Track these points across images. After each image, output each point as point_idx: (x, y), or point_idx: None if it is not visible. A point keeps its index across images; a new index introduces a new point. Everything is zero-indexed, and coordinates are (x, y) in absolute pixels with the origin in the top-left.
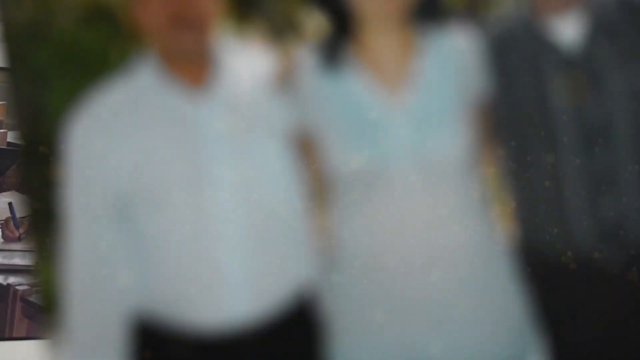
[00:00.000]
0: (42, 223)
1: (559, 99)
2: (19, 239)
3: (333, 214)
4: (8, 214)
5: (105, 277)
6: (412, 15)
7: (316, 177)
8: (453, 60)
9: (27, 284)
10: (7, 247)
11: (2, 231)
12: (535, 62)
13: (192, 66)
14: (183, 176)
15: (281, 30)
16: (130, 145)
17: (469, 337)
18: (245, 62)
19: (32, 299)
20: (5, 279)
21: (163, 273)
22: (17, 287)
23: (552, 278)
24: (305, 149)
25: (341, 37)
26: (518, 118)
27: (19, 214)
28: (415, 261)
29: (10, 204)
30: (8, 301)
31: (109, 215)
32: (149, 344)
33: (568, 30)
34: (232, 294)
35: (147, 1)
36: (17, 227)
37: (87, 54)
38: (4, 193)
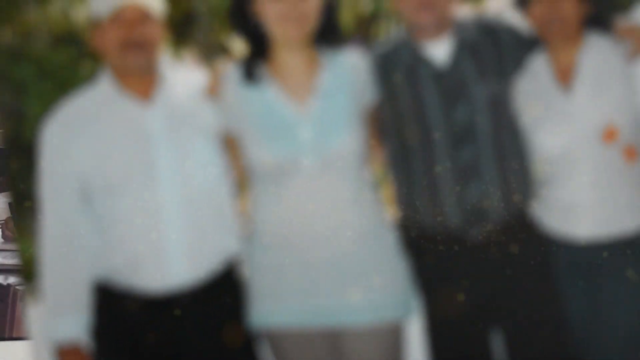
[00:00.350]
0: (23, 204)
1: (432, 105)
2: None
3: (251, 199)
4: (8, 214)
5: (72, 247)
6: (315, 38)
7: (238, 169)
8: (348, 74)
9: None
10: (7, 247)
11: (2, 231)
12: (413, 75)
13: (140, 80)
14: (133, 167)
15: (211, 51)
16: (90, 142)
17: (361, 293)
18: (182, 77)
19: None
20: (5, 279)
21: (117, 246)
22: (17, 287)
23: (427, 249)
24: (230, 146)
25: (258, 56)
26: (400, 120)
27: None
28: (317, 235)
29: (10, 204)
30: (8, 301)
31: (74, 198)
32: (107, 302)
33: (439, 50)
34: (172, 263)
35: (104, 28)
36: None
37: (59, 70)
38: (4, 193)
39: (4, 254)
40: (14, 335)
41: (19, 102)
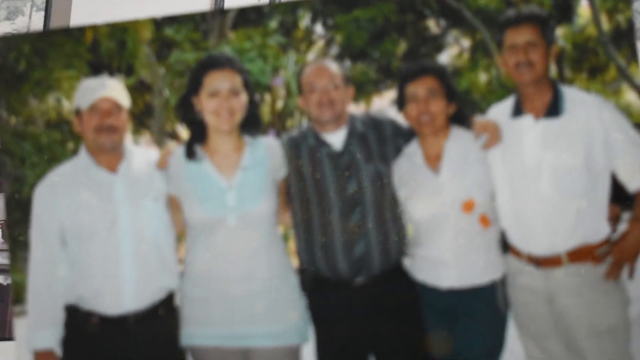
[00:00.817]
0: (18, 242)
1: (329, 179)
2: None
3: (186, 245)
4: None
5: (51, 278)
6: (241, 127)
7: (179, 223)
8: (265, 154)
9: None
10: (7, 247)
11: (2, 231)
12: (315, 155)
13: (109, 156)
14: (99, 221)
15: (162, 135)
16: (69, 201)
17: (269, 322)
18: (141, 154)
19: None
20: (6, 279)
21: (84, 279)
22: None
23: (321, 290)
24: (173, 205)
25: (197, 139)
26: (304, 189)
27: None
28: (235, 276)
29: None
30: (8, 301)
31: (55, 241)
32: (74, 320)
33: (336, 137)
34: (124, 294)
35: (83, 117)
36: None
37: (50, 147)
38: (3, 193)
39: (4, 254)
40: (14, 336)
41: (19, 170)
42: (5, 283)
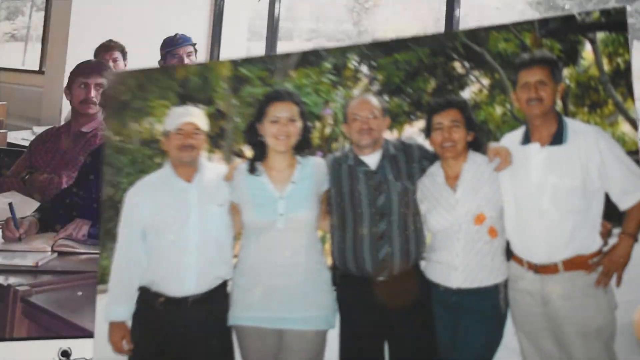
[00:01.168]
0: (109, 235)
1: (363, 193)
2: (19, 240)
3: (241, 243)
4: (8, 214)
5: (130, 264)
6: (295, 148)
7: (237, 224)
8: (312, 170)
9: (27, 284)
10: (7, 247)
11: (2, 231)
12: (353, 173)
13: (187, 168)
14: (174, 219)
15: (231, 154)
16: (151, 203)
17: (303, 309)
18: (212, 168)
19: (32, 299)
20: (6, 279)
21: (156, 265)
22: (17, 288)
23: (349, 285)
24: (234, 210)
25: (259, 158)
26: (341, 201)
27: (19, 214)
28: (278, 269)
29: (10, 204)
30: (8, 301)
31: (137, 235)
32: (145, 298)
33: (371, 159)
34: (187, 279)
35: (170, 137)
36: (17, 228)
37: (143, 160)
38: (4, 193)
39: (4, 254)
40: (14, 336)
41: (116, 178)
42: (5, 283)
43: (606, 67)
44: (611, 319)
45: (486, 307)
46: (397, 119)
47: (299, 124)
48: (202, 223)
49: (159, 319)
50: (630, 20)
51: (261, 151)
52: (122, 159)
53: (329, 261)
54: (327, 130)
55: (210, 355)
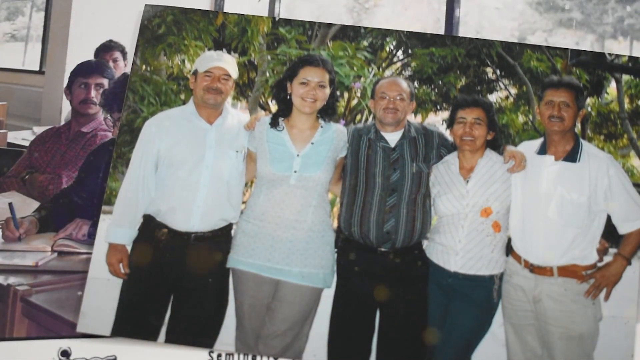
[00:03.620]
0: (121, 159)
1: (379, 167)
2: (19, 239)
3: (252, 192)
4: (8, 214)
5: (138, 191)
6: (319, 112)
7: (250, 172)
8: (332, 136)
9: (27, 284)
10: (7, 247)
11: (2, 231)
12: (372, 146)
13: (210, 110)
14: (190, 155)
15: (256, 104)
16: (169, 136)
17: (302, 264)
18: (235, 114)
19: (32, 299)
20: (6, 279)
21: (165, 197)
22: (17, 287)
23: (350, 250)
24: (250, 158)
25: (283, 114)
26: (356, 170)
27: (19, 214)
28: (284, 222)
29: (10, 204)
30: (8, 301)
31: (150, 164)
32: (148, 227)
33: (392, 136)
34: (194, 215)
35: (199, 77)
36: (17, 228)
37: (167, 93)
38: (4, 193)
39: (3, 254)
40: (14, 336)
41: (138, 105)
42: (5, 283)
43: (627, 105)
44: (595, 328)
45: (479, 295)
46: (423, 105)
47: (327, 90)
48: (216, 165)
49: (159, 250)
50: (630, 21)
51: (286, 108)
52: (147, 88)
53: (335, 224)
54: (354, 102)
55: (204, 293)
